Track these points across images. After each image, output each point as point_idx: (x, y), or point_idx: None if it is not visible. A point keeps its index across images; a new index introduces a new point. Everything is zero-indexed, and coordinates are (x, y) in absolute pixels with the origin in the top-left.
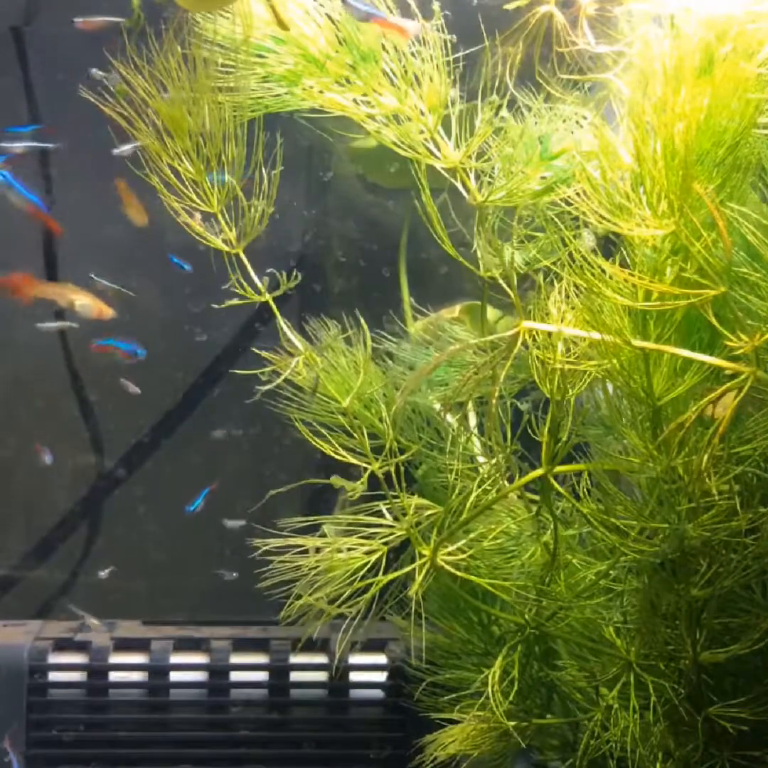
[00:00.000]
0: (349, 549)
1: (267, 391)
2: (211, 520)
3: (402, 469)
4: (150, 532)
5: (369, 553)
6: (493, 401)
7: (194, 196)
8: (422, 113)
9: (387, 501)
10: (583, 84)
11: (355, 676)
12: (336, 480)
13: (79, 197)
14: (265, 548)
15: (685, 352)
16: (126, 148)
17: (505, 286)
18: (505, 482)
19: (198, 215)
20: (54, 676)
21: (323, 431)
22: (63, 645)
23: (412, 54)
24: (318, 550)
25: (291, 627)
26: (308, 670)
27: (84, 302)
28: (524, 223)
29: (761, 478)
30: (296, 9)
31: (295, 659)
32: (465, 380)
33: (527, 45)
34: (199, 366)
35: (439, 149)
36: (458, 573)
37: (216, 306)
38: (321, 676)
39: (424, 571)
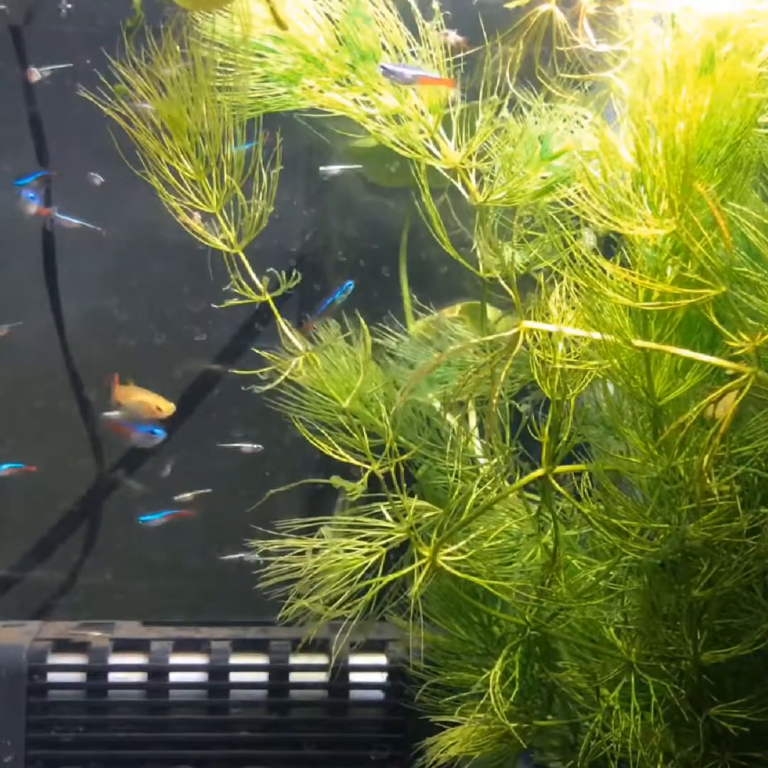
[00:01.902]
0: (349, 551)
1: (266, 390)
2: (211, 520)
3: (402, 469)
4: (149, 532)
5: (369, 554)
6: (494, 401)
7: (193, 196)
8: (422, 113)
9: (387, 502)
10: (583, 83)
11: (355, 677)
12: (336, 480)
13: (78, 196)
14: (263, 549)
15: (686, 352)
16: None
17: (505, 285)
18: (506, 482)
19: (197, 215)
20: (53, 677)
21: (323, 431)
22: (62, 646)
23: (412, 54)
24: (316, 551)
25: (291, 628)
26: (308, 671)
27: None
28: (524, 222)
29: (762, 478)
30: (295, 8)
31: (295, 660)
32: (465, 380)
33: (527, 44)
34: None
35: (439, 149)
36: (458, 574)
37: (215, 306)
38: (321, 676)
39: (424, 572)
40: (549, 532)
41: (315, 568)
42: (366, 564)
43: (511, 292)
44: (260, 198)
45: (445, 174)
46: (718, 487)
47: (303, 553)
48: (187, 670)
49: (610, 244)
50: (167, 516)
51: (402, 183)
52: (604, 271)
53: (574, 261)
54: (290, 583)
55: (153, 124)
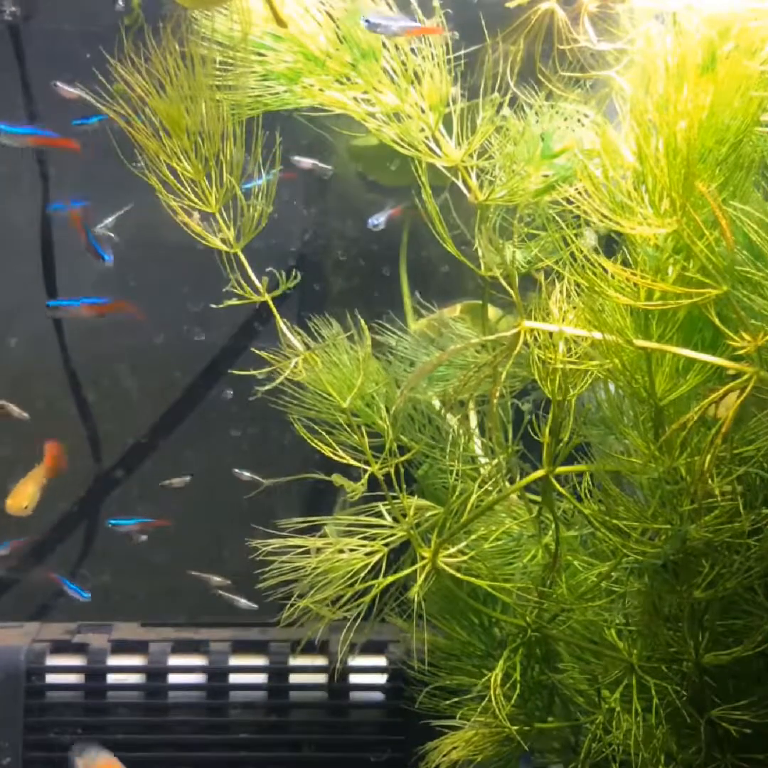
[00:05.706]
0: (351, 550)
1: (265, 390)
2: (210, 520)
3: (402, 468)
4: (148, 533)
5: (369, 554)
6: (494, 401)
7: (192, 195)
8: (423, 111)
9: (387, 502)
10: (584, 81)
11: (354, 679)
12: (337, 478)
13: (77, 196)
14: (264, 549)
15: (688, 352)
16: None
17: (506, 285)
18: (506, 483)
19: (196, 214)
20: (51, 678)
21: (322, 431)
22: (61, 647)
23: (413, 51)
24: (318, 550)
25: (290, 628)
26: (308, 672)
27: None
28: (526, 221)
29: (764, 478)
30: (295, 6)
31: (295, 661)
32: (466, 379)
33: (528, 42)
34: (198, 366)
35: (440, 147)
36: (459, 575)
37: (214, 306)
38: (320, 678)
39: (424, 573)
40: (550, 532)
41: (317, 568)
42: (367, 564)
43: (511, 292)
44: (259, 198)
45: (445, 172)
46: (719, 487)
47: (304, 552)
48: (186, 671)
49: (611, 244)
50: (140, 524)
51: (402, 182)
52: (606, 271)
53: (575, 260)
54: (290, 582)
55: (151, 123)
